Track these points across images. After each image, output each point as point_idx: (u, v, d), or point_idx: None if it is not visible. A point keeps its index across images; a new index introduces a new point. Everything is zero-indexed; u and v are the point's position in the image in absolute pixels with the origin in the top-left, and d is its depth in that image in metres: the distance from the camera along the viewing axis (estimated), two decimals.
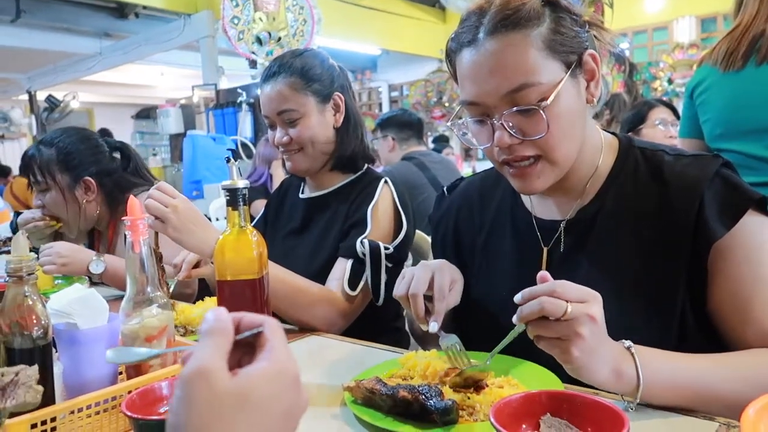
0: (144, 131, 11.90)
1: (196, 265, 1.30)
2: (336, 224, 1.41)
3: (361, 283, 1.30)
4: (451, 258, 1.08)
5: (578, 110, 0.90)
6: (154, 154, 9.94)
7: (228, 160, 0.98)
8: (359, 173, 1.48)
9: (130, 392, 0.79)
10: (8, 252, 1.85)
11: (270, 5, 5.45)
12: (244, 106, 5.41)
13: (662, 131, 2.71)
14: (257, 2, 5.37)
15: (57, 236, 1.93)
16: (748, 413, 0.52)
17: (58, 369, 0.82)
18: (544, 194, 1.01)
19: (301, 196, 1.54)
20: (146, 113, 12.17)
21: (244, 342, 0.48)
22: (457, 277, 1.01)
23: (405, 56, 9.90)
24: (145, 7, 7.15)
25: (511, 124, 0.87)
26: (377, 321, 1.40)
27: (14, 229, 2.06)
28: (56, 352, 0.84)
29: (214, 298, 1.32)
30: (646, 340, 0.80)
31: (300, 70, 1.38)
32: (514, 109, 0.86)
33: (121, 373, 0.91)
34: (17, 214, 2.06)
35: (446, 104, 9.45)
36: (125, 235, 0.89)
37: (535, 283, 0.75)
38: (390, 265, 1.32)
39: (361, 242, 1.30)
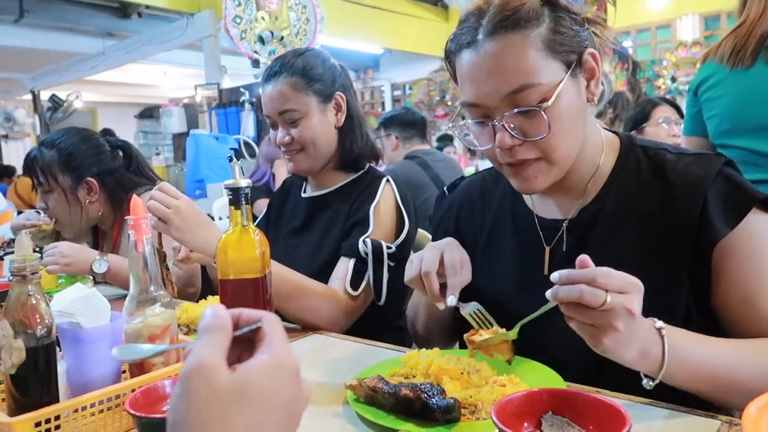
0: (147, 131, 11.94)
1: None
2: (338, 223, 1.41)
3: (364, 283, 1.30)
4: None
5: (579, 110, 0.90)
6: (157, 154, 9.97)
7: (231, 160, 0.98)
8: (361, 172, 1.48)
9: (133, 390, 0.79)
10: (12, 252, 1.87)
11: (272, 4, 5.44)
12: (247, 106, 5.42)
13: (666, 129, 2.70)
14: (259, 1, 5.37)
15: (59, 236, 1.93)
16: (749, 411, 0.51)
17: (61, 368, 0.83)
18: (545, 193, 1.01)
19: (303, 195, 1.55)
20: (149, 113, 12.21)
21: (243, 338, 0.48)
22: (465, 256, 1.01)
23: (407, 55, 9.89)
24: (147, 7, 7.18)
25: (512, 126, 0.87)
26: (380, 320, 1.40)
27: None
28: (60, 351, 0.84)
29: (217, 297, 1.32)
30: None
31: (301, 70, 1.37)
32: (515, 110, 0.86)
33: (124, 371, 0.92)
34: (21, 213, 2.07)
35: (449, 103, 9.44)
36: (129, 235, 0.90)
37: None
38: (392, 264, 1.32)
39: (364, 241, 1.30)
